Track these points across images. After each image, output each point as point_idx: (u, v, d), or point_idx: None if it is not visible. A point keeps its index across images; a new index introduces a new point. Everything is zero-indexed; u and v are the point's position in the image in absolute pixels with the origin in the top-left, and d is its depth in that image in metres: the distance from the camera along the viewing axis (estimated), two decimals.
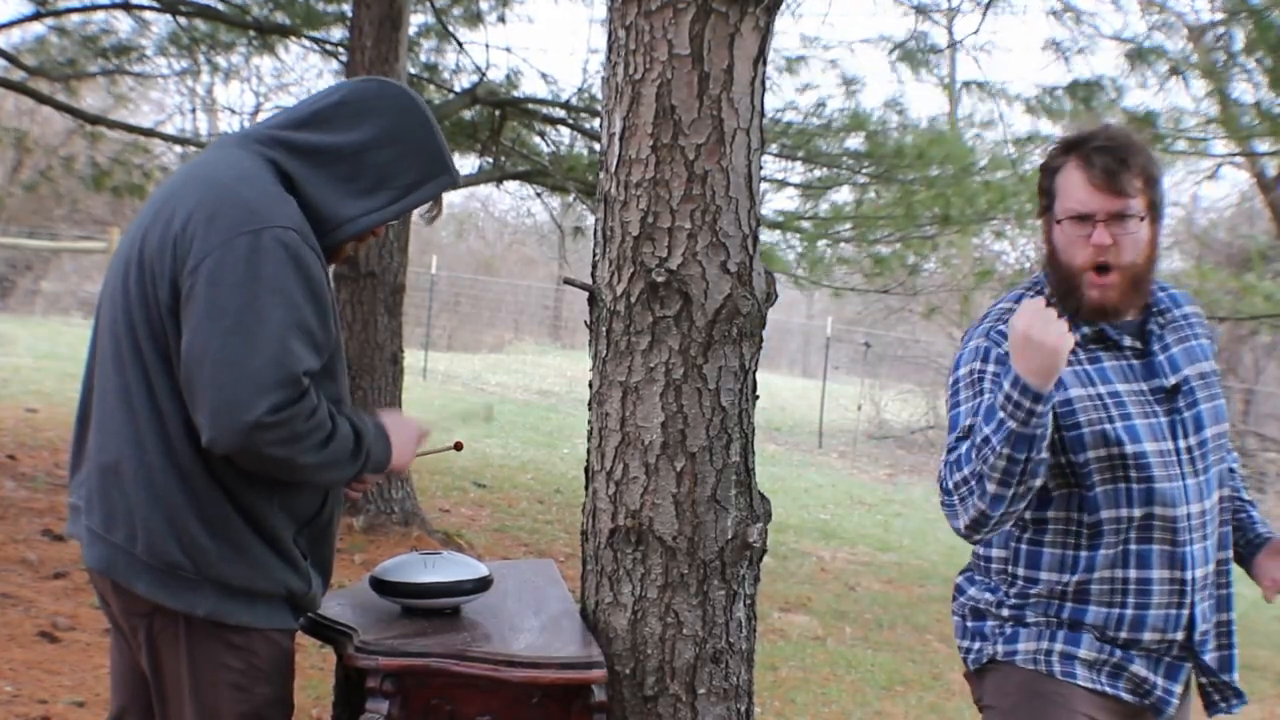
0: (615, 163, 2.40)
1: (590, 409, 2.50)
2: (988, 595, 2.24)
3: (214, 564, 2.00)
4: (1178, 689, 2.15)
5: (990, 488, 1.99)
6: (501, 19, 8.44)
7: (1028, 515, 2.17)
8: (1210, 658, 2.18)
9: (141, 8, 8.26)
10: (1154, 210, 2.10)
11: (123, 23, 8.63)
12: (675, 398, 2.37)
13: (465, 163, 8.46)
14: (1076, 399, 2.11)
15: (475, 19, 8.31)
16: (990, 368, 2.13)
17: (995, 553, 2.24)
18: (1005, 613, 2.20)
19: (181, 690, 2.05)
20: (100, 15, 8.43)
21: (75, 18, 8.44)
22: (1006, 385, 1.97)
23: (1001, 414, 1.97)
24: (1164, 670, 2.14)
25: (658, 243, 2.36)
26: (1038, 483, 2.02)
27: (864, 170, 8.28)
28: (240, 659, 2.04)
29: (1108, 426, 2.08)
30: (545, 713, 2.21)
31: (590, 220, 8.54)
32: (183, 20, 8.42)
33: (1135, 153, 2.07)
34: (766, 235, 8.06)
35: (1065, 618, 2.14)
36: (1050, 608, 2.15)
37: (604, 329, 2.44)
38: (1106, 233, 2.05)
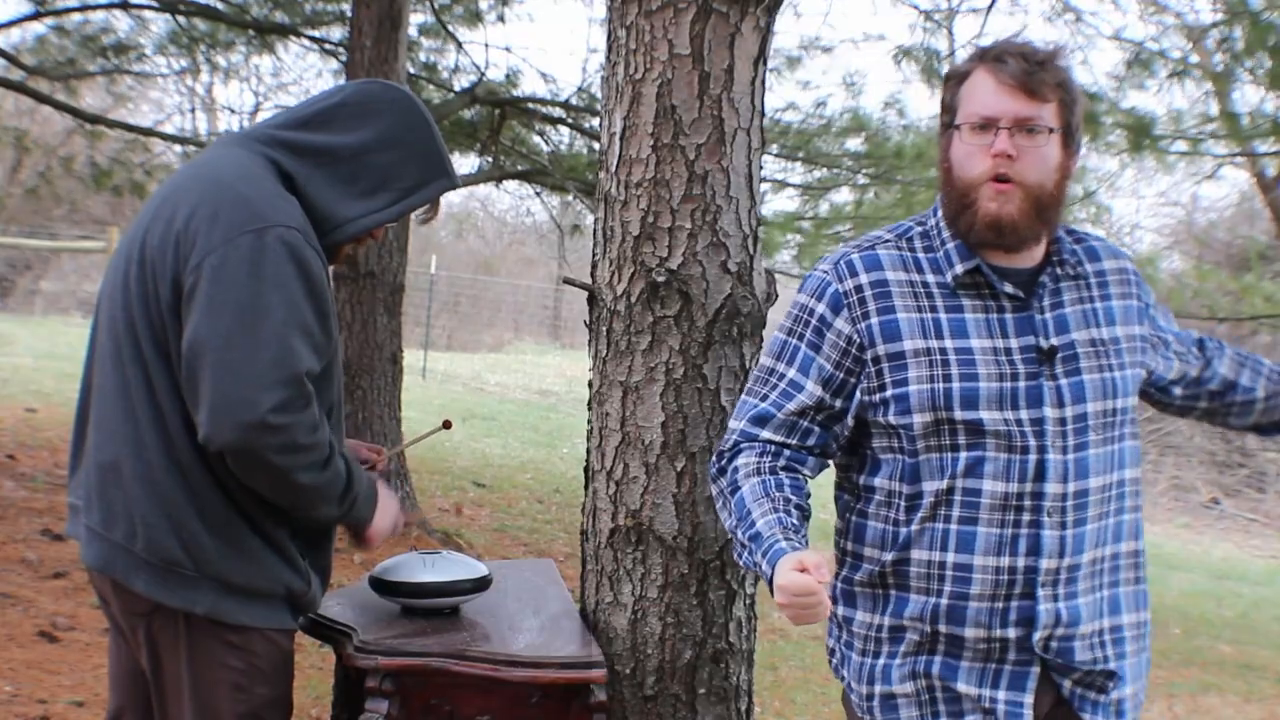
0: (615, 162, 2.40)
1: (590, 409, 2.50)
2: (833, 584, 1.96)
3: (213, 561, 2.00)
4: (1026, 699, 1.82)
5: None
6: (501, 18, 8.44)
7: (860, 481, 1.92)
8: (1083, 667, 1.84)
9: (140, 7, 8.26)
10: (1068, 132, 1.83)
11: (122, 22, 8.63)
12: (675, 398, 2.37)
13: (465, 162, 8.47)
14: (910, 352, 1.83)
15: (475, 18, 8.31)
16: (820, 308, 1.89)
17: (836, 523, 1.98)
18: (840, 611, 1.94)
19: (181, 689, 2.04)
20: (100, 14, 8.43)
21: (75, 17, 8.44)
22: (755, 555, 1.79)
23: (742, 550, 1.84)
24: (1006, 681, 1.82)
25: (658, 242, 2.36)
26: None
27: (864, 171, 8.29)
28: (239, 659, 2.04)
29: (939, 386, 1.81)
30: (545, 712, 2.21)
31: (589, 220, 8.55)
32: (182, 19, 8.42)
33: (1054, 60, 1.82)
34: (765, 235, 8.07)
35: (888, 616, 1.87)
36: (875, 603, 1.88)
37: (604, 329, 2.44)
38: (1010, 141, 1.77)
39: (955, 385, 1.81)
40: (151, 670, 2.08)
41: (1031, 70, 1.79)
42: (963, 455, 1.81)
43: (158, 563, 1.99)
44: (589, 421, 2.51)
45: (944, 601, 1.82)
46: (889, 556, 1.85)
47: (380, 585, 2.37)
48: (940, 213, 1.91)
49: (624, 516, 2.41)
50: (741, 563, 1.85)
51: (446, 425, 2.58)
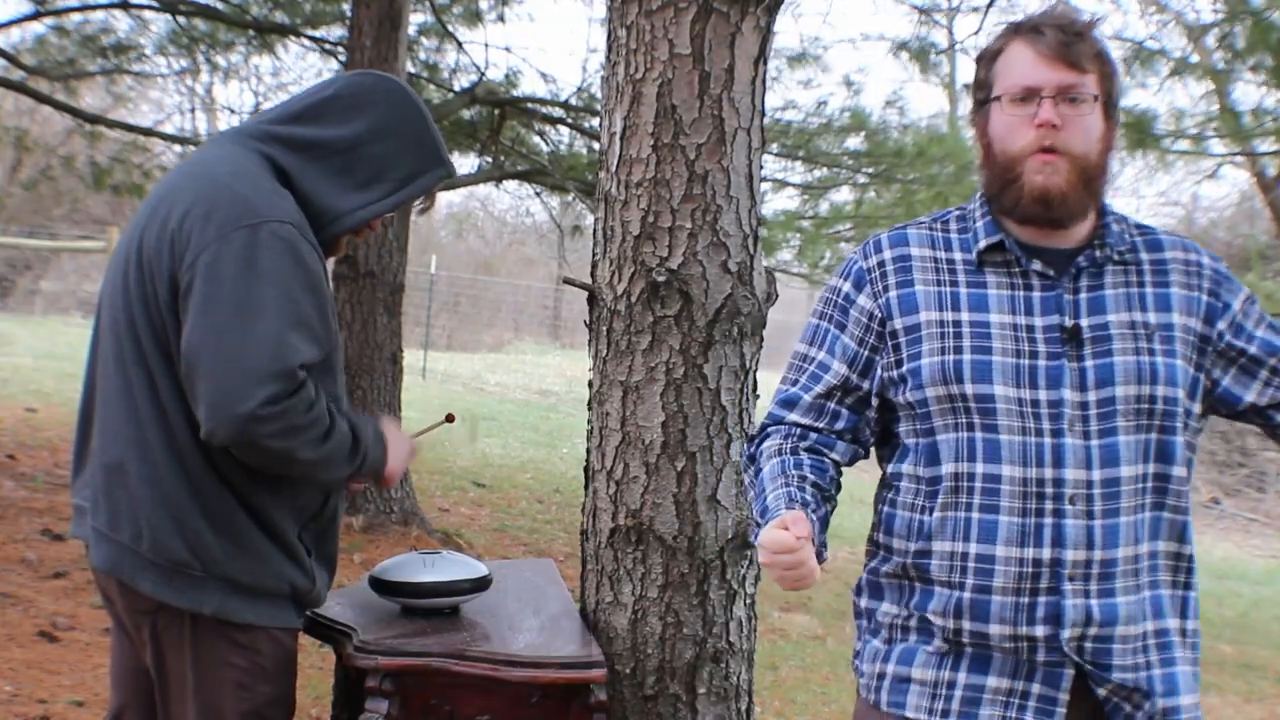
0: (616, 162, 2.40)
1: (590, 409, 2.50)
2: (860, 577, 1.91)
3: (220, 561, 2.00)
4: (1061, 695, 1.71)
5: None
6: (501, 18, 8.45)
7: (889, 470, 1.86)
8: (1121, 675, 1.71)
9: (140, 7, 8.26)
10: (1109, 103, 1.77)
11: (122, 22, 8.63)
12: (675, 397, 2.37)
13: (465, 162, 8.47)
14: (925, 324, 1.78)
15: (475, 18, 8.31)
16: (846, 286, 1.86)
17: (872, 518, 1.92)
18: (864, 603, 1.87)
19: (185, 688, 2.04)
20: (99, 14, 8.43)
21: (74, 17, 8.43)
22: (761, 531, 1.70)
23: (755, 529, 1.76)
24: (1040, 676, 1.72)
25: (658, 242, 2.36)
26: None
27: (864, 170, 8.29)
28: (244, 657, 2.04)
29: (949, 358, 1.74)
30: (545, 712, 2.21)
31: (589, 220, 8.55)
32: (182, 19, 8.42)
33: (1090, 30, 1.77)
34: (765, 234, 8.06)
35: (914, 608, 1.78)
36: (901, 595, 1.81)
37: (604, 329, 2.44)
38: (1054, 110, 1.72)
39: (966, 357, 1.74)
40: (155, 668, 2.08)
41: (1070, 41, 1.74)
42: (979, 436, 1.72)
43: (164, 564, 1.99)
44: (589, 421, 2.51)
45: (967, 595, 1.72)
46: (913, 547, 1.78)
47: (380, 585, 2.37)
48: (981, 195, 1.85)
49: (624, 516, 2.40)
50: (755, 542, 1.75)
51: (449, 419, 2.58)
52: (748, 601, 2.47)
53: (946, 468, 1.75)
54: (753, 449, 1.90)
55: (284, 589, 2.06)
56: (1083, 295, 1.77)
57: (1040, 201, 1.74)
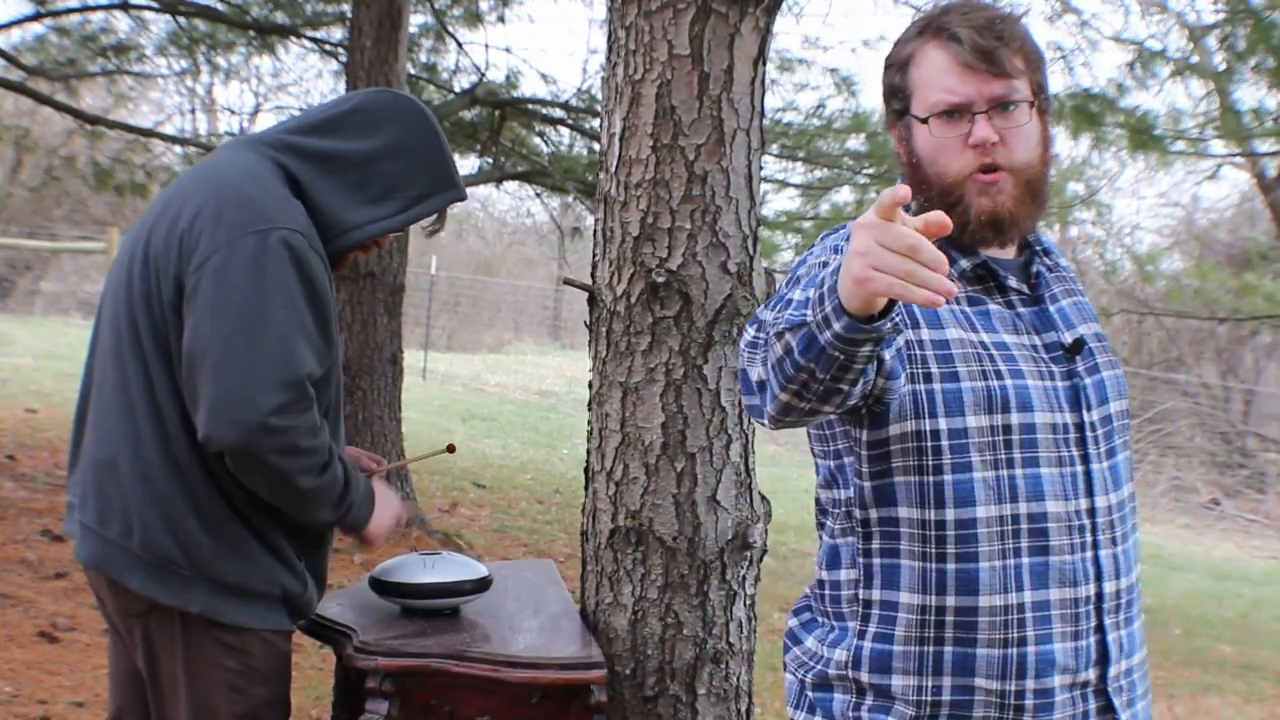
0: (615, 163, 2.40)
1: (590, 409, 2.50)
2: (837, 652, 1.62)
3: (209, 561, 2.00)
4: None
5: (781, 395, 1.44)
6: (501, 19, 8.46)
7: (874, 515, 1.59)
8: (1126, 715, 1.59)
9: (141, 7, 8.26)
10: (1041, 98, 1.60)
11: (122, 22, 8.65)
12: (675, 398, 2.37)
13: (465, 163, 8.47)
14: (955, 342, 1.55)
15: (475, 19, 8.32)
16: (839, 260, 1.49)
17: (843, 575, 1.64)
18: (865, 678, 1.59)
19: (177, 690, 2.05)
20: (100, 15, 8.44)
21: (75, 17, 8.44)
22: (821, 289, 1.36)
23: (808, 319, 1.38)
24: None
25: (658, 243, 2.36)
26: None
27: (864, 171, 8.29)
28: (235, 659, 2.05)
29: (994, 384, 1.53)
30: (545, 713, 2.21)
31: (589, 220, 8.55)
32: (182, 20, 8.43)
33: (1011, 23, 1.57)
34: (766, 234, 8.06)
35: (949, 674, 1.55)
36: (924, 662, 1.56)
37: (604, 329, 2.44)
38: (989, 126, 1.54)
39: (1009, 383, 1.55)
40: (148, 670, 2.08)
41: (992, 46, 1.54)
42: (1020, 472, 1.55)
43: (154, 560, 1.99)
44: (589, 422, 2.51)
45: (1029, 650, 1.53)
46: (946, 601, 1.55)
47: (380, 586, 2.37)
48: (913, 210, 1.62)
49: (624, 517, 2.40)
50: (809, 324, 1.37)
51: (450, 449, 2.63)
52: (748, 602, 2.47)
53: (984, 510, 1.54)
54: (765, 322, 1.47)
55: (275, 591, 2.07)
56: (1053, 308, 1.65)
57: (991, 226, 1.58)
